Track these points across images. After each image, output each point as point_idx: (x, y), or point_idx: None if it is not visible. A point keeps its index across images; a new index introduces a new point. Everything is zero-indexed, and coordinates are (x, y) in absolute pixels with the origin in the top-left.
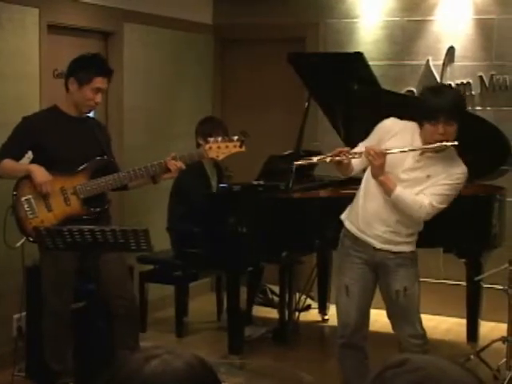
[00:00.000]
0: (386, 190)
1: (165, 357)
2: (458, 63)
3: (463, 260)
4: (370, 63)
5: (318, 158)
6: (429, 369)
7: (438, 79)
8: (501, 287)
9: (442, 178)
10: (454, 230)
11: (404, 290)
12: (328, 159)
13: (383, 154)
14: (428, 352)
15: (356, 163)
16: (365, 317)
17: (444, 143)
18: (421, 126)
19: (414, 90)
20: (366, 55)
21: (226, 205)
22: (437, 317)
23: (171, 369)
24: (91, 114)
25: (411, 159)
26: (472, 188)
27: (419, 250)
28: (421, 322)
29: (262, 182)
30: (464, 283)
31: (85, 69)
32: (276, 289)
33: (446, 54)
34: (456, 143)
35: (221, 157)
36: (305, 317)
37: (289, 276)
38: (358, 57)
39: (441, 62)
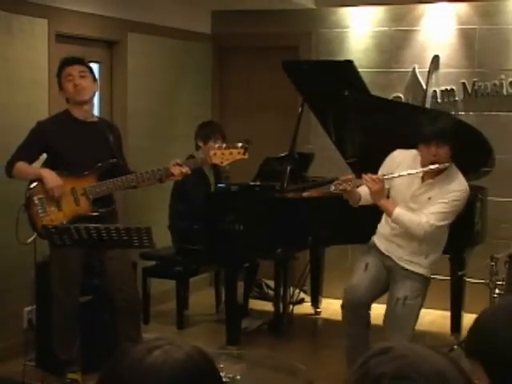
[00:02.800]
0: (387, 213)
1: (166, 348)
2: (442, 70)
3: (447, 256)
4: (360, 70)
5: (319, 189)
6: (411, 356)
7: (424, 86)
8: (483, 281)
9: (439, 197)
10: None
11: (404, 298)
12: (332, 188)
13: (380, 180)
14: None
15: (366, 193)
16: (370, 298)
17: (436, 165)
18: (418, 148)
19: (402, 96)
20: (356, 63)
21: (225, 204)
22: (422, 309)
23: (172, 359)
24: (97, 113)
25: (416, 187)
26: None
27: None
28: (409, 335)
29: (258, 183)
30: (448, 277)
31: (58, 75)
32: (271, 283)
33: (431, 62)
34: (447, 164)
35: (225, 163)
36: (298, 310)
37: (283, 271)
38: (349, 64)
39: (426, 70)
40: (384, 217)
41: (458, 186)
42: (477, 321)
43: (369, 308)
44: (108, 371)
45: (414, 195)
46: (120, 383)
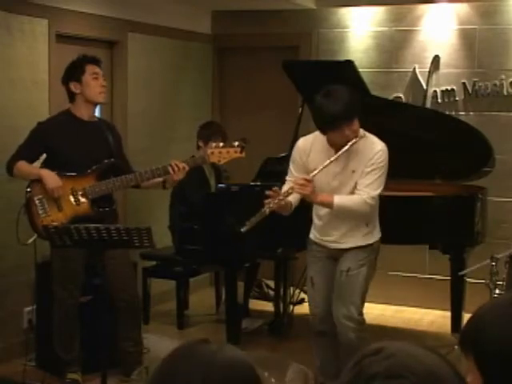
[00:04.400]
0: (328, 206)
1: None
2: (442, 71)
3: (448, 256)
4: (360, 70)
5: (256, 216)
6: (403, 356)
7: (424, 86)
8: (483, 281)
9: (366, 166)
10: (439, 227)
11: (347, 270)
12: (267, 211)
13: (309, 181)
14: (363, 339)
15: (294, 197)
16: (329, 308)
17: (353, 140)
18: (325, 134)
19: (402, 96)
20: (357, 63)
21: (225, 204)
22: (422, 309)
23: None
24: (97, 114)
25: (332, 165)
26: (456, 188)
27: (406, 247)
28: (358, 308)
29: (258, 183)
30: (448, 278)
31: (75, 67)
32: (271, 283)
33: (432, 62)
34: (361, 134)
35: (222, 161)
36: (298, 310)
37: (283, 271)
38: (349, 64)
39: (427, 70)
40: (314, 210)
41: (377, 147)
42: (473, 314)
43: (332, 324)
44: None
45: (335, 172)
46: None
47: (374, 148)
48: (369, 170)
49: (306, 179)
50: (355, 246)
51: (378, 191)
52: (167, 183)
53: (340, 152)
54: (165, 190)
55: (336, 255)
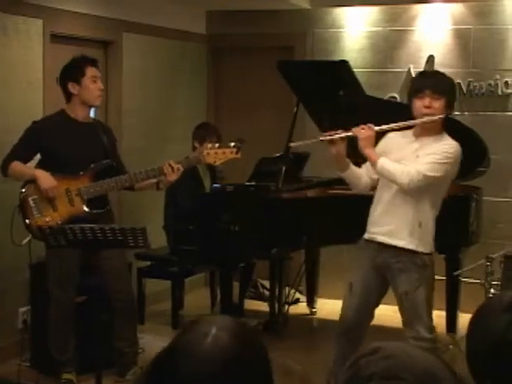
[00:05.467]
0: (371, 161)
1: (214, 333)
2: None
3: (443, 256)
4: (355, 70)
5: (308, 140)
6: (401, 356)
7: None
8: (478, 281)
9: (429, 151)
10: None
11: (405, 294)
12: (320, 138)
13: (369, 127)
14: (437, 351)
15: (361, 169)
16: (363, 316)
17: (430, 117)
18: (411, 104)
19: (397, 96)
20: (351, 63)
21: (220, 204)
22: None
23: (222, 344)
24: (92, 114)
25: (406, 148)
26: (451, 188)
27: None
28: (427, 326)
29: (253, 183)
30: (443, 278)
31: (74, 68)
32: (266, 283)
33: (427, 62)
34: (442, 116)
35: (218, 162)
36: (294, 310)
37: (279, 271)
38: (344, 64)
39: (421, 69)
40: (374, 199)
41: (450, 142)
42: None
43: (363, 325)
44: (163, 362)
45: (406, 153)
46: (176, 374)
47: (446, 142)
48: (431, 152)
49: (368, 125)
50: (403, 246)
51: (429, 174)
52: (161, 184)
53: (414, 121)
54: (158, 190)
55: (382, 264)
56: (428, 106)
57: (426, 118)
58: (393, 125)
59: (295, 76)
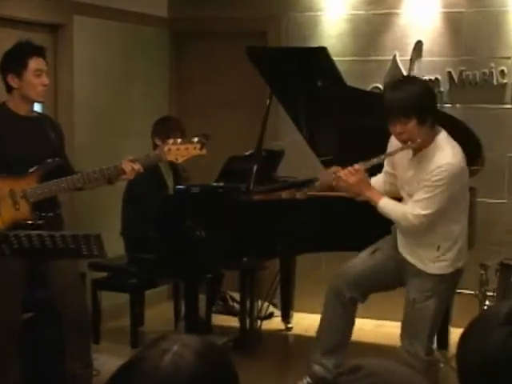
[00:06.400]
0: (373, 204)
1: (175, 350)
2: (425, 58)
3: None
4: (335, 58)
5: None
6: (383, 374)
7: (406, 75)
8: (471, 292)
9: (422, 179)
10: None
11: (413, 301)
12: (317, 184)
13: (355, 170)
14: (431, 375)
15: (378, 184)
16: (363, 285)
17: (408, 143)
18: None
19: (381, 87)
20: (330, 50)
21: (184, 207)
22: None
23: (184, 363)
24: (38, 108)
25: (406, 172)
26: None
27: None
28: (425, 346)
29: (221, 184)
30: None
31: (16, 58)
32: (237, 296)
33: (414, 49)
34: (414, 145)
35: (180, 160)
36: (267, 325)
37: (250, 282)
38: (322, 52)
39: (408, 58)
40: None
41: (439, 161)
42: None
43: (356, 296)
44: (117, 379)
45: (407, 177)
46: None
47: (437, 161)
48: (422, 185)
49: (353, 168)
50: (419, 267)
51: (426, 212)
52: (113, 178)
53: (393, 150)
54: (110, 185)
55: (401, 262)
56: (401, 132)
57: (403, 146)
58: (376, 160)
59: (268, 64)
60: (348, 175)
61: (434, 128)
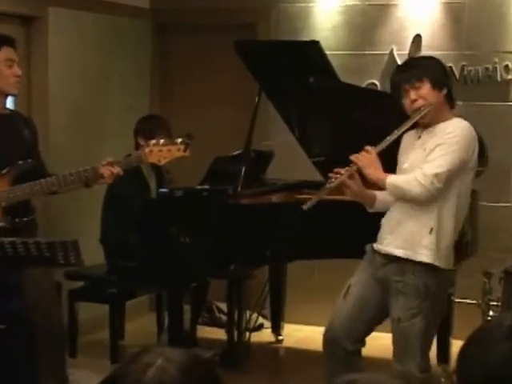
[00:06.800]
0: (381, 183)
1: (158, 364)
2: (425, 53)
3: None
4: (328, 53)
5: (320, 191)
6: None
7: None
8: (474, 301)
9: (434, 144)
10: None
11: (398, 320)
12: (327, 186)
13: (369, 151)
14: None
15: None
16: (354, 330)
17: (419, 104)
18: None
19: (377, 83)
20: (323, 44)
21: (167, 212)
22: None
23: (168, 378)
24: (10, 105)
25: (417, 147)
26: None
27: None
28: (419, 365)
29: (207, 187)
30: None
31: None
32: (224, 306)
33: (412, 43)
34: (428, 108)
35: (162, 162)
36: (256, 337)
37: (238, 292)
38: (314, 46)
39: (406, 52)
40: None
41: (453, 123)
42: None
43: (352, 344)
44: None
45: (410, 156)
46: None
47: (451, 126)
48: (436, 144)
49: (366, 149)
50: (407, 257)
51: (437, 170)
52: (90, 181)
53: (408, 122)
54: (87, 188)
55: (383, 279)
56: (414, 99)
57: (415, 110)
58: (389, 138)
59: (256, 59)
60: (360, 158)
61: (451, 107)
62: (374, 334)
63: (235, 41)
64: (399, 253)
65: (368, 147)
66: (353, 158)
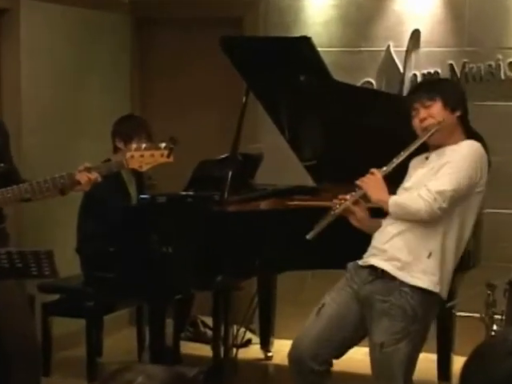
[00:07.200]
0: (384, 205)
1: (140, 382)
2: (424, 49)
3: None
4: (320, 49)
5: (324, 220)
6: None
7: (401, 68)
8: (476, 315)
9: (443, 161)
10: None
11: (380, 345)
12: (333, 214)
13: (375, 174)
14: None
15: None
16: (322, 350)
17: (428, 123)
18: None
19: (373, 82)
20: (315, 40)
21: (149, 220)
22: None
23: None
24: None
25: (425, 169)
26: None
27: None
28: None
29: (191, 193)
30: None
31: None
32: (209, 320)
33: (410, 38)
34: (437, 126)
35: (144, 168)
36: (244, 354)
37: (224, 305)
38: (306, 42)
39: (404, 48)
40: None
41: (466, 144)
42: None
43: (318, 365)
44: None
45: (424, 174)
46: None
47: (459, 145)
48: (442, 164)
49: (371, 172)
50: (397, 276)
51: (444, 188)
52: (66, 188)
53: (417, 141)
54: (63, 196)
55: (365, 298)
56: (424, 118)
57: (427, 133)
58: (396, 160)
59: (244, 56)
60: (365, 181)
61: (463, 126)
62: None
63: (221, 37)
64: (388, 267)
65: (373, 170)
66: (359, 182)
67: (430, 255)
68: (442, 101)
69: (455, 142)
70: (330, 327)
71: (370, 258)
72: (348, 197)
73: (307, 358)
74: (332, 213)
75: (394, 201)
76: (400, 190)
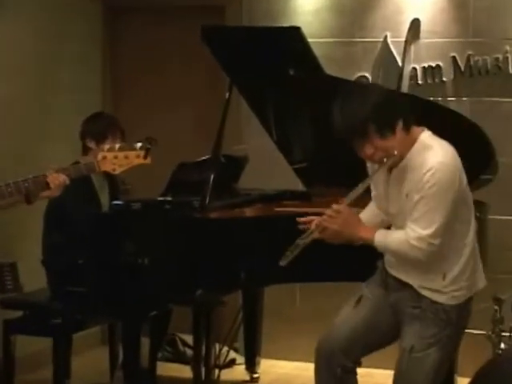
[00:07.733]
0: (369, 243)
1: None
2: (424, 40)
3: None
4: (311, 40)
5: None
6: None
7: (399, 61)
8: (483, 332)
9: (416, 190)
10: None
11: (410, 349)
12: (300, 243)
13: (340, 210)
14: None
15: (370, 219)
16: (357, 344)
17: (384, 160)
18: None
19: (368, 76)
20: (305, 30)
21: (122, 228)
22: None
23: None
24: None
25: (390, 187)
26: None
27: None
28: None
29: (169, 198)
30: None
31: None
32: (189, 339)
33: (409, 29)
34: (393, 159)
35: (118, 170)
36: (228, 375)
37: (206, 322)
38: (294, 32)
39: (402, 39)
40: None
41: (428, 163)
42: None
43: (349, 362)
44: None
45: (392, 196)
46: None
47: (426, 164)
48: (417, 198)
49: (333, 209)
50: (427, 296)
51: (430, 231)
52: (32, 196)
53: (372, 176)
54: (29, 204)
55: (394, 304)
56: (372, 153)
57: (380, 167)
58: (361, 185)
59: (227, 48)
60: (329, 221)
61: (410, 131)
62: (367, 371)
63: (202, 26)
64: (410, 281)
65: (335, 206)
66: (317, 223)
67: (444, 276)
68: (380, 134)
69: (410, 148)
70: (366, 325)
71: (389, 269)
72: (313, 225)
73: (339, 353)
74: (300, 242)
75: (382, 243)
76: (385, 213)
